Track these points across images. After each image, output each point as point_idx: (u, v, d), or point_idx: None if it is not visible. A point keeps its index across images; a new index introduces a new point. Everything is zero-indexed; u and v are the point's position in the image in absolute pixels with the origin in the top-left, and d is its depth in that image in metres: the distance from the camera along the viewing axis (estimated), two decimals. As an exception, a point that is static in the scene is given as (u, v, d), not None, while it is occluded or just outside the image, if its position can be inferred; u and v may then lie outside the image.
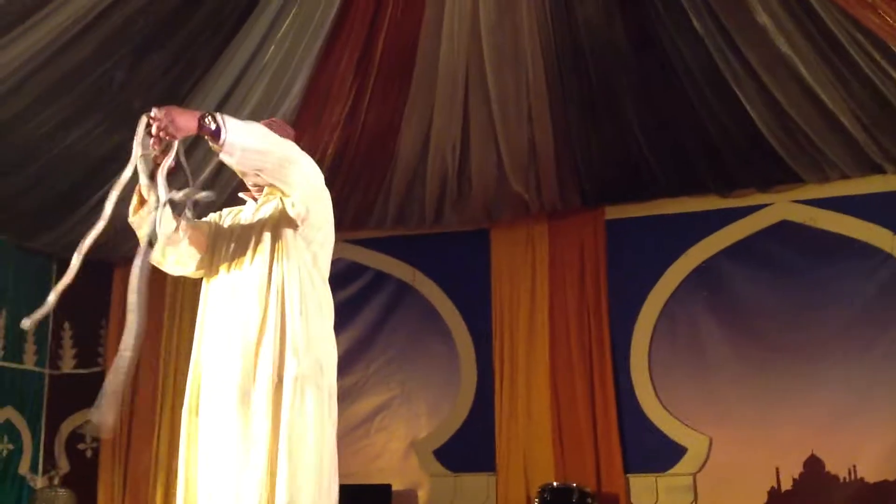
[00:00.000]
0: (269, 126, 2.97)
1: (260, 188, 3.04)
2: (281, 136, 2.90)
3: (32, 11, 4.62)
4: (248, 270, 2.88)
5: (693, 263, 6.33)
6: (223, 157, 2.67)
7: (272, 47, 5.37)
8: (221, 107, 5.54)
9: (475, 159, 6.17)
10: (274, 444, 2.71)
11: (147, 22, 5.00)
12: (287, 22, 5.25)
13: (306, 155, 2.86)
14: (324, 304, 2.92)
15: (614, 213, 6.56)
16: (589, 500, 5.72)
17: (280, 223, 2.89)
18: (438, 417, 6.68)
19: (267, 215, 2.94)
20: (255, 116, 5.65)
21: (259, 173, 2.84)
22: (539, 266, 6.62)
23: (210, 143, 2.68)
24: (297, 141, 3.03)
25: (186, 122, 2.64)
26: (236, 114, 5.57)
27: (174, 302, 7.08)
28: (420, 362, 6.83)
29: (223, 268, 2.97)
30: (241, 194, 3.12)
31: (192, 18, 5.09)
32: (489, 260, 6.77)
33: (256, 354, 2.78)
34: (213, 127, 2.62)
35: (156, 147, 2.66)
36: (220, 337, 2.87)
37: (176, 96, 5.42)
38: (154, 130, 2.62)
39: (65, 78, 5.10)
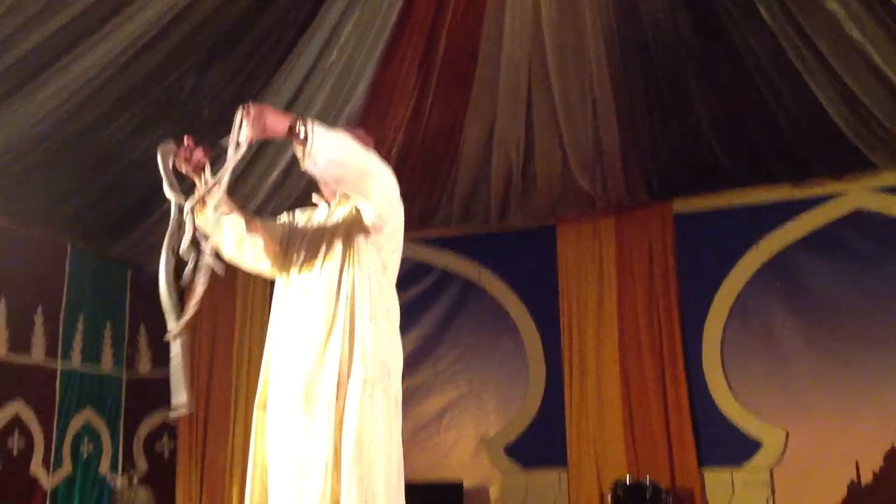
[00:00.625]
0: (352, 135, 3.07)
1: (334, 192, 3.09)
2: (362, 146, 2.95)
3: (104, 23, 4.76)
4: (320, 273, 2.93)
5: (765, 255, 6.22)
6: (307, 164, 2.68)
7: (335, 51, 5.43)
8: (288, 110, 5.62)
9: (540, 156, 6.16)
10: (338, 444, 2.74)
11: (213, 30, 5.11)
12: (350, 25, 5.31)
13: (385, 166, 2.87)
14: (391, 311, 2.96)
15: (682, 206, 6.47)
16: (663, 496, 5.66)
17: (353, 229, 2.93)
18: (508, 414, 6.68)
19: (340, 220, 2.99)
20: (320, 118, 5.74)
21: (338, 183, 2.87)
22: (606, 261, 6.57)
23: (295, 150, 2.69)
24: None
25: (276, 123, 2.66)
26: (303, 115, 5.68)
27: (245, 305, 7.21)
28: (488, 359, 6.83)
29: (295, 269, 3.03)
30: (314, 197, 3.16)
31: (257, 25, 5.18)
32: (555, 256, 6.74)
33: (323, 356, 2.83)
34: (301, 135, 2.63)
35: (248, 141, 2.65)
36: (290, 337, 2.93)
37: (243, 102, 5.50)
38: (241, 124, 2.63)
39: (137, 86, 5.24)
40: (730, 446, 6.00)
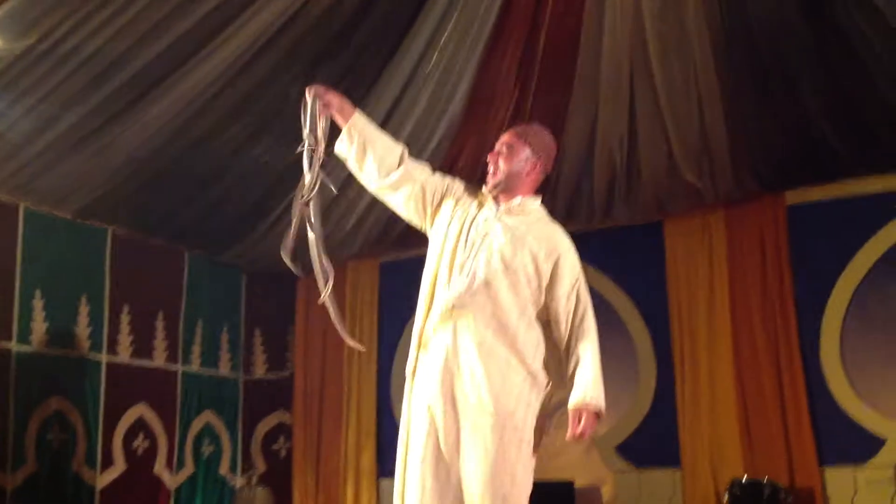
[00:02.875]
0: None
1: (504, 191, 3.24)
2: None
3: (212, 38, 4.94)
4: (506, 268, 3.10)
5: (884, 246, 5.97)
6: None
7: (436, 53, 5.48)
8: (391, 113, 5.73)
9: (644, 150, 6.06)
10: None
11: (317, 38, 5.23)
12: (449, 27, 5.35)
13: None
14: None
15: (795, 197, 6.27)
16: (782, 495, 5.49)
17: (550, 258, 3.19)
18: (618, 413, 6.59)
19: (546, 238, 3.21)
20: (422, 121, 5.83)
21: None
22: (717, 256, 6.42)
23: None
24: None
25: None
26: (405, 119, 5.79)
27: (355, 307, 7.34)
28: (597, 358, 6.76)
29: (457, 249, 3.16)
30: (485, 190, 3.27)
31: (359, 30, 5.28)
32: (663, 252, 6.63)
33: (514, 344, 3.06)
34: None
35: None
36: (465, 312, 3.07)
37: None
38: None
39: (246, 97, 5.41)
40: (852, 444, 5.77)
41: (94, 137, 5.43)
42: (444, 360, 3.07)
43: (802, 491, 5.72)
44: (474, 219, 3.19)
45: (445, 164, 6.17)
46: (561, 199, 6.60)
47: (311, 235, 3.09)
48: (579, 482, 6.40)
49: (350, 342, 3.19)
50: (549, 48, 5.60)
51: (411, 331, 3.24)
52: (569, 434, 3.14)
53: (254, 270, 7.59)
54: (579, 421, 3.11)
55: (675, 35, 5.33)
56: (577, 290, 3.22)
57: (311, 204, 3.08)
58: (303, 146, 3.10)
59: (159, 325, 6.88)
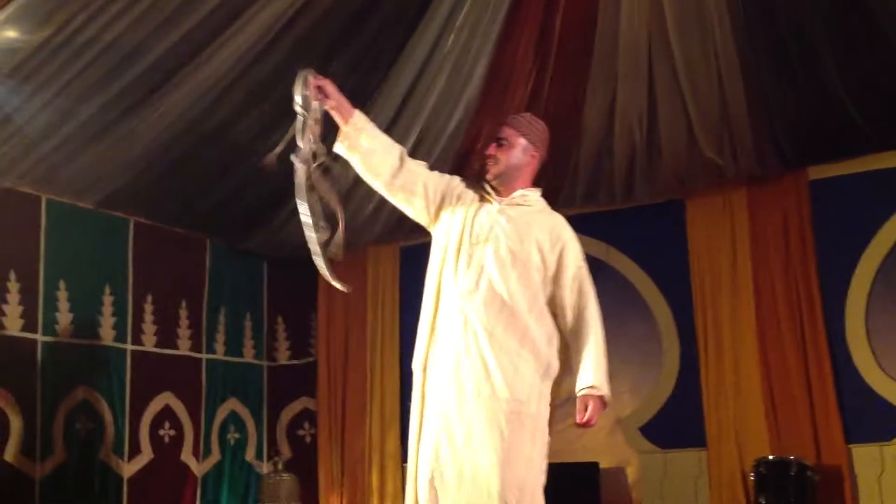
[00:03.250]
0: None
1: (505, 184, 3.28)
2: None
3: (226, 27, 4.94)
4: (513, 261, 3.15)
5: (910, 220, 5.91)
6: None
7: (452, 36, 5.45)
8: (408, 97, 5.71)
9: (664, 128, 6.00)
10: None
11: (331, 25, 5.21)
12: (465, 9, 5.31)
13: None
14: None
15: (818, 172, 6.20)
16: (809, 473, 5.46)
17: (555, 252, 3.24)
18: (642, 393, 6.58)
19: (552, 231, 3.27)
20: (439, 104, 5.81)
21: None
22: (739, 234, 6.37)
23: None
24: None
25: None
26: (422, 103, 5.76)
27: (377, 291, 7.34)
28: (619, 338, 6.66)
29: (462, 243, 3.20)
30: (486, 186, 3.30)
31: (374, 16, 5.26)
32: (685, 231, 6.58)
33: (525, 335, 3.10)
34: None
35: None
36: (475, 305, 3.09)
37: (365, 92, 5.62)
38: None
39: (262, 85, 5.40)
40: (878, 421, 5.72)
41: (112, 128, 5.45)
42: (455, 354, 3.08)
43: (829, 469, 5.68)
44: (477, 212, 3.23)
45: (464, 146, 6.15)
46: (582, 180, 6.57)
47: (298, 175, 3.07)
48: (604, 463, 6.40)
49: (335, 283, 3.19)
50: (566, 27, 5.55)
51: (431, 317, 3.25)
52: (576, 421, 3.19)
53: (275, 257, 7.61)
54: (586, 408, 3.17)
55: (693, 10, 5.27)
56: (581, 279, 3.27)
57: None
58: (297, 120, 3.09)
59: (183, 313, 6.92)
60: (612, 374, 6.59)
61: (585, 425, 3.20)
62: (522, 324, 3.11)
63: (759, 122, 5.84)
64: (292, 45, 5.21)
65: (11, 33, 4.52)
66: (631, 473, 6.51)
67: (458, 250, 3.17)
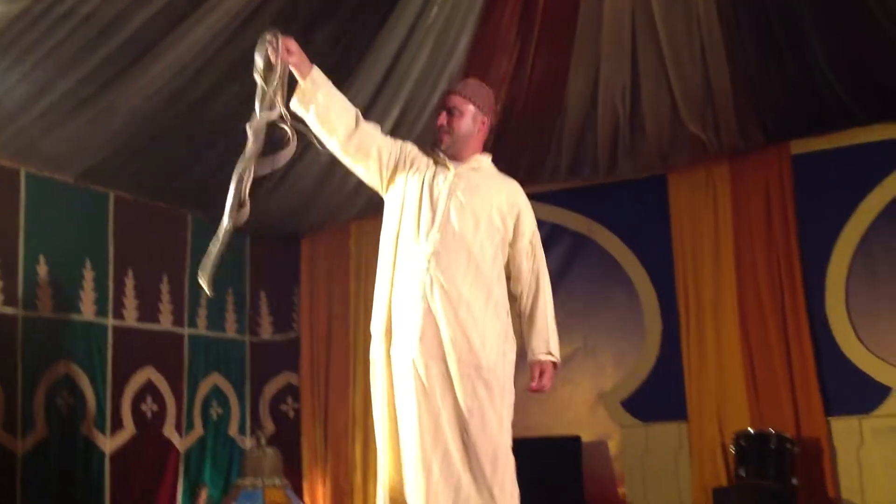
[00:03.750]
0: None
1: (458, 150, 3.30)
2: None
3: (203, 0, 4.87)
4: (475, 235, 3.15)
5: (890, 194, 5.93)
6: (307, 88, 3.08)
7: (435, 7, 5.40)
8: (391, 69, 5.67)
9: (647, 103, 6.00)
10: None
11: (313, -2, 5.16)
12: (449, -21, 5.28)
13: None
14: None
15: (800, 147, 6.22)
16: (788, 445, 5.51)
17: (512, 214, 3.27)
18: (624, 368, 6.62)
19: (500, 196, 3.26)
20: (423, 76, 5.78)
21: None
22: (721, 209, 6.39)
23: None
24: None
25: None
26: (405, 75, 5.72)
27: (359, 267, 7.32)
28: (602, 313, 6.76)
29: (421, 207, 3.19)
30: (439, 153, 3.30)
31: (357, -13, 5.21)
32: (668, 206, 6.60)
33: (490, 296, 3.12)
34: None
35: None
36: (442, 266, 3.11)
37: (347, 65, 5.58)
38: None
39: (242, 58, 5.31)
40: (857, 394, 5.78)
41: (91, 101, 5.37)
42: (422, 317, 3.09)
43: (809, 441, 5.74)
44: (434, 176, 3.23)
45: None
46: (565, 154, 6.57)
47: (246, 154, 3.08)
48: (586, 437, 6.45)
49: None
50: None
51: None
52: (532, 387, 3.24)
53: (257, 232, 7.57)
54: (541, 375, 3.24)
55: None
56: (535, 245, 3.33)
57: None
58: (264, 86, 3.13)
59: (164, 288, 6.88)
60: (595, 349, 6.71)
61: (539, 390, 3.25)
62: (487, 284, 3.15)
63: (742, 97, 5.85)
64: (273, 18, 5.15)
65: (-12, 4, 4.45)
66: (613, 447, 6.56)
67: (419, 211, 3.18)
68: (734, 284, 6.22)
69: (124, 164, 6.14)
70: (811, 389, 5.85)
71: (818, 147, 6.19)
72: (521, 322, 3.35)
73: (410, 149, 3.35)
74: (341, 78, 3.22)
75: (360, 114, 3.27)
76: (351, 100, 3.35)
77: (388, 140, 3.33)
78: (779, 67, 5.66)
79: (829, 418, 5.82)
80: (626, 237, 6.74)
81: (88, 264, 6.28)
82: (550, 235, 6.90)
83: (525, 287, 3.32)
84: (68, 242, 6.16)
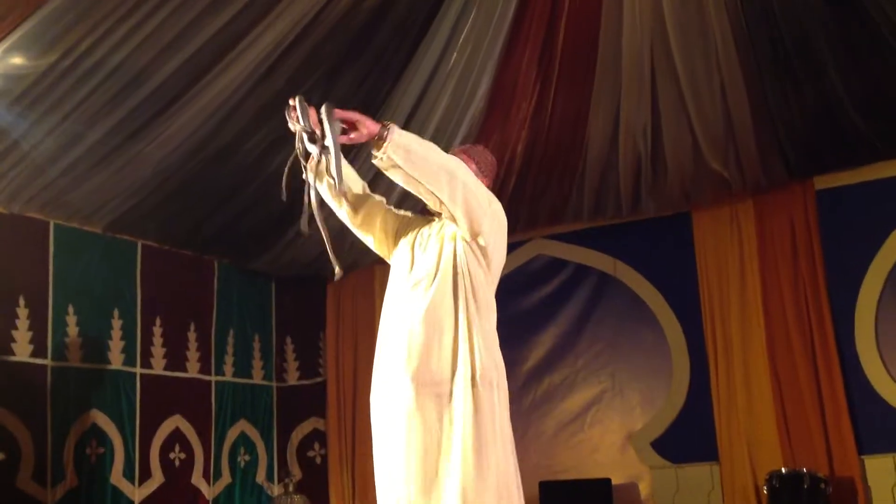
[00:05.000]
0: (467, 152, 3.29)
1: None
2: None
3: (232, 47, 4.96)
4: (435, 275, 3.03)
5: (918, 228, 5.90)
6: (390, 151, 2.81)
7: (455, 52, 5.46)
8: (413, 112, 5.72)
9: (668, 141, 6.01)
10: (449, 438, 2.98)
11: (335, 43, 5.23)
12: (468, 25, 5.33)
13: (465, 167, 3.02)
14: (492, 308, 3.08)
15: (824, 182, 6.19)
16: (822, 486, 5.42)
17: (458, 237, 3.04)
18: (653, 408, 6.55)
19: (450, 230, 3.08)
20: (445, 119, 5.82)
21: (421, 183, 2.92)
22: (747, 246, 6.36)
23: (374, 147, 2.83)
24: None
25: (370, 125, 2.87)
26: (427, 117, 5.77)
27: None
28: (629, 353, 6.72)
29: (406, 268, 3.13)
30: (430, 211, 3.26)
31: (378, 33, 5.27)
32: (692, 244, 6.57)
33: (454, 354, 2.96)
34: (386, 131, 2.83)
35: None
36: (401, 333, 3.05)
37: (370, 109, 5.61)
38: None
39: (267, 105, 5.41)
40: (891, 432, 5.68)
41: (119, 152, 5.46)
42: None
43: (842, 481, 5.64)
44: (430, 235, 3.18)
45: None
46: (588, 194, 6.57)
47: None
48: (616, 479, 6.37)
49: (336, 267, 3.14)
50: (569, 40, 5.57)
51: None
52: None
53: (282, 277, 7.62)
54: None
55: (694, 23, 5.28)
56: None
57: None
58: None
59: (191, 335, 6.91)
60: (623, 389, 6.64)
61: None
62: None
63: (764, 133, 5.85)
64: (296, 66, 5.24)
65: (17, 59, 4.55)
66: (643, 489, 6.47)
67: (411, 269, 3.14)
68: (762, 322, 6.16)
69: (151, 212, 6.22)
70: (843, 428, 5.76)
71: (842, 182, 6.16)
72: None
73: (411, 217, 3.32)
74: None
75: (367, 186, 3.26)
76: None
77: (392, 211, 3.30)
78: (800, 103, 5.66)
79: (863, 457, 5.72)
80: (652, 276, 6.72)
81: (116, 313, 6.34)
82: (575, 275, 6.92)
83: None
84: (97, 292, 6.22)
